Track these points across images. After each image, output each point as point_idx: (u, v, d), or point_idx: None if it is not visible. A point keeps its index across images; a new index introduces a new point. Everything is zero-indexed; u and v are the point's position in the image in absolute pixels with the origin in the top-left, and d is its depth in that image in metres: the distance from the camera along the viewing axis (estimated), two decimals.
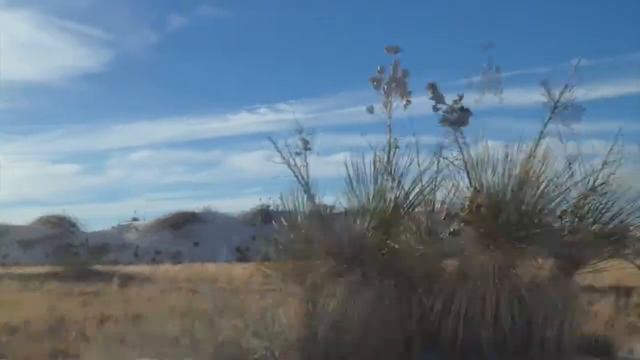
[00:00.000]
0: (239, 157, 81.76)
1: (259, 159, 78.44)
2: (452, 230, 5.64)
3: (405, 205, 6.45)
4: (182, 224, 43.20)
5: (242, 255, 40.92)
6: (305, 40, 77.39)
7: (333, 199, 6.75)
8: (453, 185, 6.11)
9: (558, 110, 5.68)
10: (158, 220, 43.90)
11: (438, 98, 5.59)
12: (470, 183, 5.86)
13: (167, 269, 22.06)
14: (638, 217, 5.85)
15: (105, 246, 40.64)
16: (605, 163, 5.74)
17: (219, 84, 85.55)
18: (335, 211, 6.69)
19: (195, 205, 47.83)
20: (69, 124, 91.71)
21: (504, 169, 5.70)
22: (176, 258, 37.00)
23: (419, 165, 6.19)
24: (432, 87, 5.62)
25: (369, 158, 6.50)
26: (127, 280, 15.00)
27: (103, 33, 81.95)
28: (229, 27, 78.12)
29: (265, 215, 45.87)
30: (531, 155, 5.70)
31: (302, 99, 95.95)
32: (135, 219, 46.28)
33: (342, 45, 78.42)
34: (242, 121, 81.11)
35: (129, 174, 76.93)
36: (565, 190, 5.80)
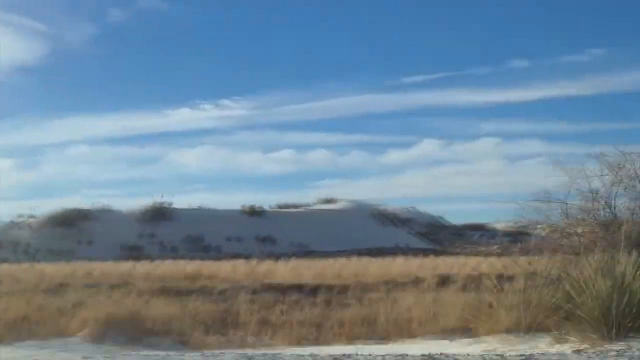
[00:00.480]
0: (181, 153, 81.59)
1: (203, 156, 78.39)
2: None
3: None
4: (75, 222, 43.68)
5: (133, 253, 41.86)
6: (248, 38, 77.90)
7: None
8: None
9: None
10: (49, 218, 44.00)
11: None
12: None
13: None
14: None
15: None
16: None
17: (159, 79, 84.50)
18: None
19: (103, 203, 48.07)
20: (3, 118, 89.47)
21: None
22: (65, 257, 37.49)
23: None
24: None
25: None
26: None
27: (41, 26, 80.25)
28: (170, 22, 77.39)
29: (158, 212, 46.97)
30: None
31: (246, 95, 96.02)
32: (32, 217, 45.78)
33: (285, 43, 79.20)
34: (183, 117, 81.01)
35: (65, 170, 75.84)
36: None
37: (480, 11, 68.95)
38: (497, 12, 69.14)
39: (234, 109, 77.42)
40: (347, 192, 72.68)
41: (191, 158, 75.73)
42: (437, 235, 53.99)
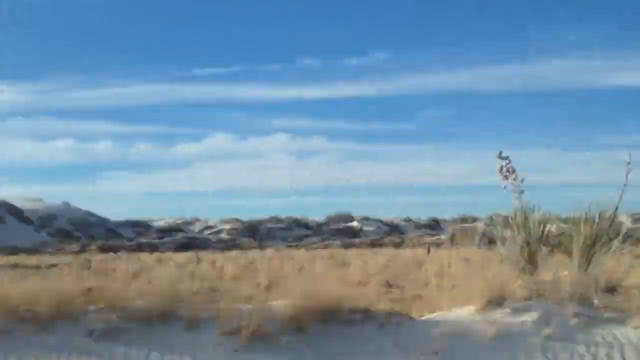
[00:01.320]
0: None
1: None
2: None
3: None
4: None
5: None
6: (30, 16, 62.26)
7: None
8: None
9: None
10: None
11: None
12: None
13: None
14: None
15: None
16: None
17: None
18: None
19: None
20: None
21: None
22: None
23: None
24: None
25: None
26: None
27: None
28: None
29: None
30: None
31: (22, 79, 79.03)
32: None
33: (71, 26, 65.33)
34: None
35: None
36: None
37: (275, 7, 68.18)
38: (291, 9, 69.04)
39: (8, 93, 64.40)
40: (135, 185, 62.87)
41: None
42: (85, 232, 50.72)
